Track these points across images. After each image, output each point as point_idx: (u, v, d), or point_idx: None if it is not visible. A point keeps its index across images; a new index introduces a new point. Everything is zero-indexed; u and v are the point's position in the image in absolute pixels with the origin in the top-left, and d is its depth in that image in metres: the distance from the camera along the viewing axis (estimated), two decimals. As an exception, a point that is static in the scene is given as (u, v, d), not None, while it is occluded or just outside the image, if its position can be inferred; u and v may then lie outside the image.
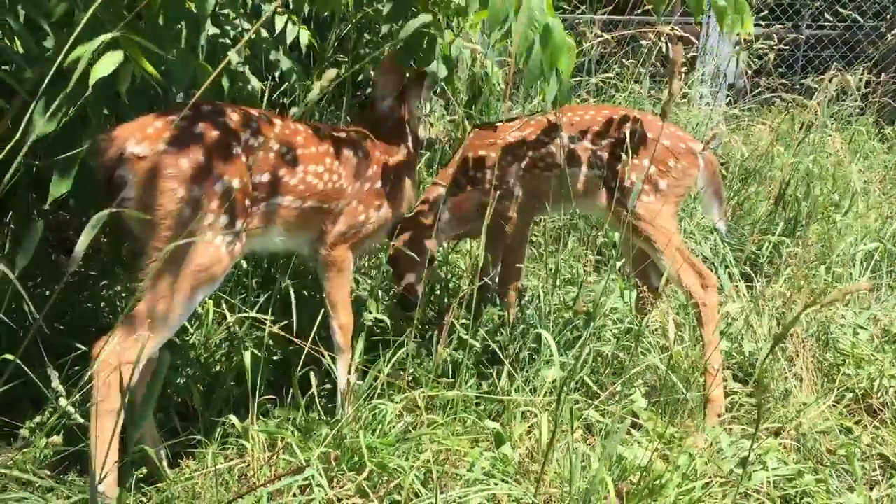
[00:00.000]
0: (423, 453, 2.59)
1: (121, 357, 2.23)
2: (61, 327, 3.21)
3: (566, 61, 2.64)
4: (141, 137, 2.26)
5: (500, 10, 2.49)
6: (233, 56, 3.44)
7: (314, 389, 2.79)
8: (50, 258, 3.72)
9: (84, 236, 1.37)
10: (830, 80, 5.42)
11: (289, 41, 3.67)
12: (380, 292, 3.65)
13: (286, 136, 2.66)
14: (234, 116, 2.47)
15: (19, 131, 1.92)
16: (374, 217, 2.99)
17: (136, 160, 2.24)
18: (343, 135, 2.92)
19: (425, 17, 2.88)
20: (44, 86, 2.05)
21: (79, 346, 2.71)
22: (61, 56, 1.85)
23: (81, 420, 2.28)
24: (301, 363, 2.76)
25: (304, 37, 3.71)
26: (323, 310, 2.89)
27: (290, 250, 3.00)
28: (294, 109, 1.65)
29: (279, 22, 3.67)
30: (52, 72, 1.84)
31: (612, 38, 5.57)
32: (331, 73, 1.70)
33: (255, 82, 3.38)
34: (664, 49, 5.58)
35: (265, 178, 2.57)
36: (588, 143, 3.36)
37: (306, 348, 2.74)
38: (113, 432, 2.18)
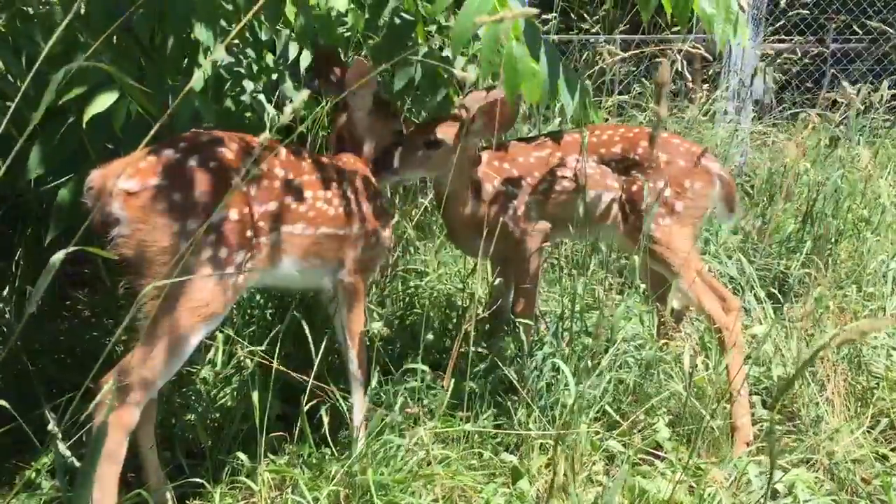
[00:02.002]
0: (436, 490, 2.51)
1: (118, 398, 2.16)
2: (70, 362, 3.17)
3: (528, 88, 2.51)
4: (132, 172, 2.20)
5: (464, 32, 2.40)
6: (248, 85, 3.44)
7: (325, 425, 2.72)
8: (64, 293, 3.71)
9: (42, 278, 1.32)
10: (857, 94, 5.31)
11: (303, 68, 3.64)
12: (394, 322, 3.58)
13: (290, 164, 2.60)
14: (232, 146, 2.40)
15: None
16: (385, 237, 2.94)
17: (126, 196, 2.18)
18: (341, 161, 2.88)
19: (409, 72, 2.80)
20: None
21: (88, 384, 2.65)
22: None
23: (78, 463, 2.22)
24: (310, 397, 2.68)
25: None
26: (327, 341, 2.81)
27: (309, 284, 2.90)
28: (264, 134, 1.59)
29: (293, 49, 3.64)
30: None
31: (626, 57, 5.50)
32: (303, 94, 1.63)
33: (271, 110, 3.35)
34: (681, 67, 5.49)
35: (271, 206, 2.50)
36: (604, 164, 3.28)
37: (310, 383, 2.66)
38: (111, 477, 2.13)
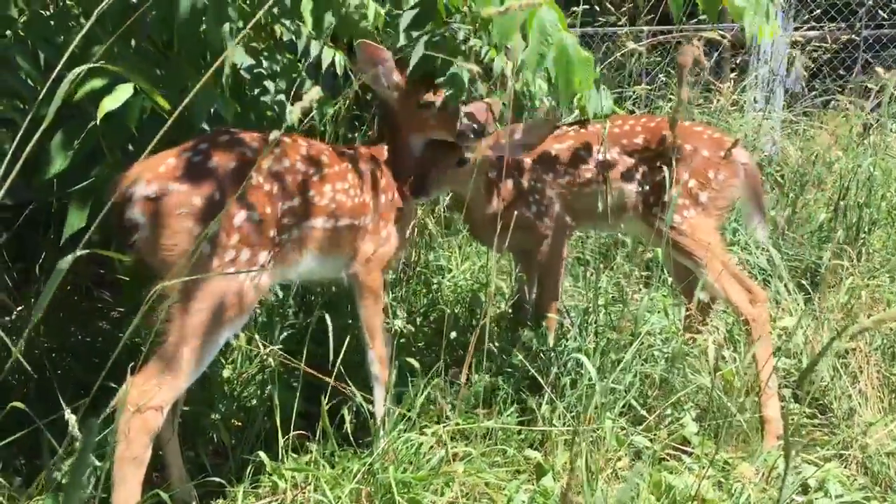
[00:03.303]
0: (458, 487, 2.48)
1: (142, 401, 2.15)
2: (95, 363, 3.18)
3: (582, 76, 2.50)
4: (151, 177, 2.19)
5: (509, 25, 2.37)
6: (270, 86, 3.42)
7: (347, 423, 2.71)
8: (89, 293, 3.71)
9: (50, 282, 1.31)
10: (889, 80, 5.19)
11: (324, 66, 3.62)
12: (418, 319, 3.56)
13: (311, 157, 2.58)
14: (253, 144, 2.38)
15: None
16: (393, 231, 2.91)
17: (145, 201, 2.18)
18: (355, 152, 2.87)
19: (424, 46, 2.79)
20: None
21: (103, 382, 2.66)
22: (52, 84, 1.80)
23: (98, 464, 2.22)
24: (332, 395, 2.67)
25: (340, 60, 3.65)
26: (348, 340, 2.79)
27: (328, 275, 2.89)
28: (275, 131, 1.57)
29: (314, 47, 3.62)
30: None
31: (649, 47, 5.43)
32: (314, 93, 1.60)
33: (292, 111, 3.32)
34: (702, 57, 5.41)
35: (294, 202, 2.48)
36: (627, 156, 3.24)
37: (331, 382, 2.64)
38: (135, 480, 2.12)
